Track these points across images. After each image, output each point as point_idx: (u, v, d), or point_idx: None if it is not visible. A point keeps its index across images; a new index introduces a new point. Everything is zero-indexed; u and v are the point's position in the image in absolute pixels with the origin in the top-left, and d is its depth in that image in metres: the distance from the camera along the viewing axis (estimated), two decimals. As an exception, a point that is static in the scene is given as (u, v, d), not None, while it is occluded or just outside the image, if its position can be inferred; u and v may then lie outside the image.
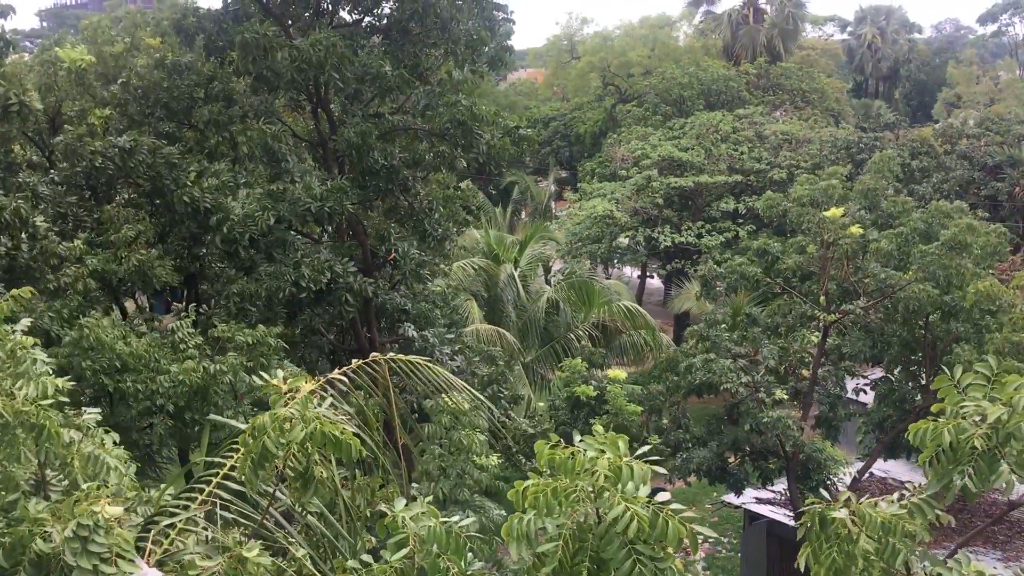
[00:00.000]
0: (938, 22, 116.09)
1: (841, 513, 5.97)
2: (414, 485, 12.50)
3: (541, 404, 24.09)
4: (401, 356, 6.65)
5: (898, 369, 19.60)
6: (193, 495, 5.85)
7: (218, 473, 5.75)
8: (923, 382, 19.01)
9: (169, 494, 6.40)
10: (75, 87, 18.37)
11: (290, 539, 5.59)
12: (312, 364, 16.91)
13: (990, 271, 18.19)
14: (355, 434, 6.03)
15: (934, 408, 6.35)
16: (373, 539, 6.44)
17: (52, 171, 15.95)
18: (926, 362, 18.80)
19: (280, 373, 5.55)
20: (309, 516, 5.84)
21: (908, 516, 5.96)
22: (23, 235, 12.19)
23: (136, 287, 14.41)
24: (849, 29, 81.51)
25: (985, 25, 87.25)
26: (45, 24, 78.59)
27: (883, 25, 76.97)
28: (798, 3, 55.79)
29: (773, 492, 21.39)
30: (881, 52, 75.50)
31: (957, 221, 18.03)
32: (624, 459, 4.95)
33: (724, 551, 25.03)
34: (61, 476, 6.22)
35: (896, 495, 6.18)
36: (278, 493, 5.70)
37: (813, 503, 6.12)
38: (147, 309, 19.14)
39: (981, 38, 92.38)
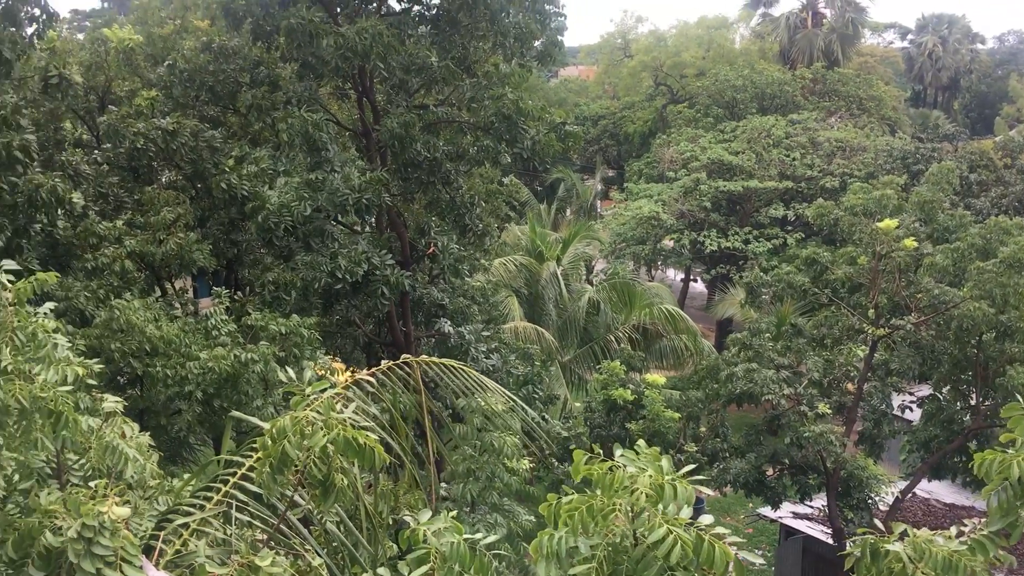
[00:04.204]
0: (1001, 33, 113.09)
1: (896, 546, 5.56)
2: (444, 484, 12.25)
3: (577, 405, 23.75)
4: (434, 360, 6.35)
5: (947, 388, 18.99)
6: (210, 494, 5.60)
7: (236, 472, 5.49)
8: (972, 402, 18.39)
9: (189, 489, 6.18)
10: (124, 67, 18.40)
11: (307, 546, 5.31)
12: (347, 355, 16.76)
13: (1049, 292, 17.47)
14: (381, 439, 5.75)
15: (1003, 438, 5.90)
16: (396, 547, 6.16)
17: (97, 151, 15.94)
18: (976, 382, 18.19)
19: (307, 371, 5.28)
20: (328, 523, 5.56)
21: (969, 553, 5.53)
22: (59, 213, 12.12)
23: (174, 270, 14.32)
24: (910, 37, 79.76)
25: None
26: (106, 4, 79.52)
27: (945, 34, 75.20)
28: (859, 8, 54.63)
29: (811, 507, 20.84)
30: (941, 62, 73.79)
31: (1017, 238, 17.35)
32: (667, 477, 4.59)
33: (757, 564, 24.49)
34: (83, 460, 6.04)
35: (954, 529, 5.76)
36: (297, 497, 5.44)
37: (865, 532, 5.72)
38: (191, 293, 19.15)
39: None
